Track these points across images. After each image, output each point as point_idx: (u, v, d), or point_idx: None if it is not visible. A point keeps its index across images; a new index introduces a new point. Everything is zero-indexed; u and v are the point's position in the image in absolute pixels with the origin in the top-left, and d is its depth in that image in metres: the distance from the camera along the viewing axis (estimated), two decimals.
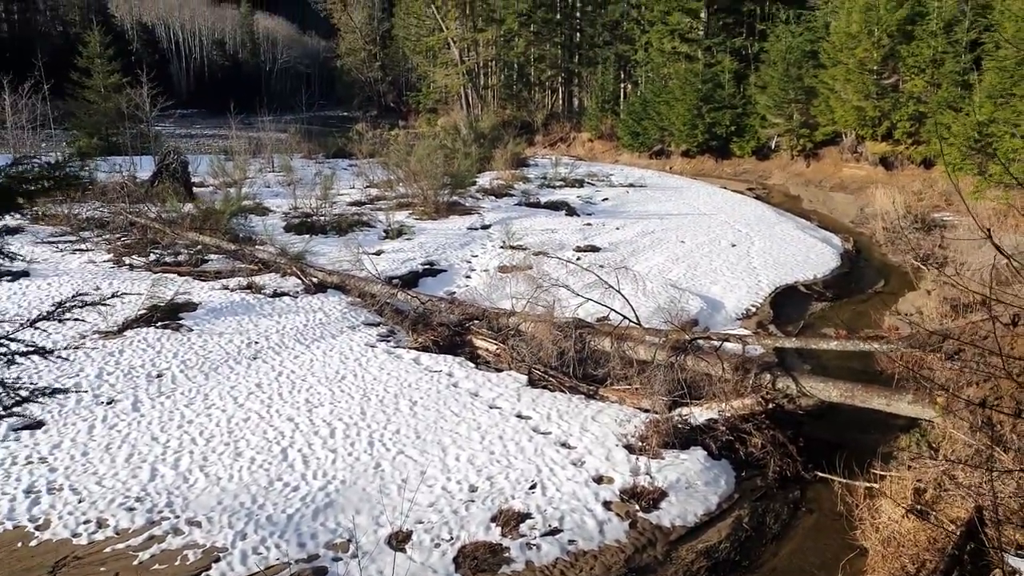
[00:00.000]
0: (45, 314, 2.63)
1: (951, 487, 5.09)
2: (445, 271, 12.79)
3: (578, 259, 12.59)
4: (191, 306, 10.05)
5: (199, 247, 13.03)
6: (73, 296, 2.74)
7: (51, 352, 2.51)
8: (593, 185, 23.47)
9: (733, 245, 14.55)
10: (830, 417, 7.14)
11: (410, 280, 12.10)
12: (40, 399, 2.41)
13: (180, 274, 11.65)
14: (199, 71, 77.53)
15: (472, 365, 8.58)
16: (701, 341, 7.82)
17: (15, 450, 6.22)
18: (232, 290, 10.91)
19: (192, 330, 9.26)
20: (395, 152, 21.02)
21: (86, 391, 7.33)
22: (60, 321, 2.49)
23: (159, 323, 9.38)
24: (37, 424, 6.64)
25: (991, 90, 15.62)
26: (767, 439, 6.54)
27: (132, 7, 73.04)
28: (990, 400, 5.04)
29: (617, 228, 16.24)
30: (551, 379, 7.99)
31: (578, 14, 42.19)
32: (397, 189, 19.44)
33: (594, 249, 13.97)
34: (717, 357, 7.42)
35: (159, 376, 7.88)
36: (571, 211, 18.46)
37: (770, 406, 6.86)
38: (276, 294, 10.87)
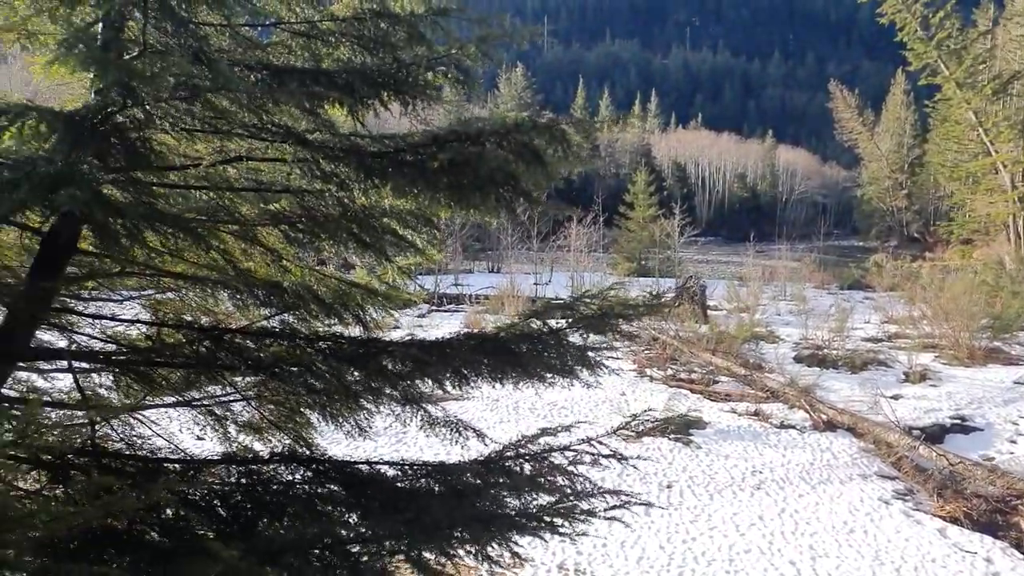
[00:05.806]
0: (623, 423, 3.15)
1: None
2: (981, 430, 10.81)
3: None
4: (700, 424, 10.63)
5: (711, 368, 13.80)
6: (644, 411, 3.22)
7: (627, 458, 3.00)
8: None
9: None
10: None
11: (935, 434, 10.57)
12: (630, 506, 2.89)
13: (692, 391, 12.48)
14: (719, 202, 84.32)
15: (1019, 555, 6.97)
16: None
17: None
18: (739, 415, 11.18)
19: (700, 447, 9.76)
20: (924, 287, 19.04)
21: (653, 504, 7.76)
22: (636, 434, 3.00)
23: (671, 435, 10.15)
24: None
25: None
26: None
27: (671, 148, 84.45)
28: None
29: None
30: None
31: None
32: (921, 328, 17.45)
33: None
34: None
35: (668, 487, 8.48)
36: None
37: None
38: (782, 425, 10.73)
